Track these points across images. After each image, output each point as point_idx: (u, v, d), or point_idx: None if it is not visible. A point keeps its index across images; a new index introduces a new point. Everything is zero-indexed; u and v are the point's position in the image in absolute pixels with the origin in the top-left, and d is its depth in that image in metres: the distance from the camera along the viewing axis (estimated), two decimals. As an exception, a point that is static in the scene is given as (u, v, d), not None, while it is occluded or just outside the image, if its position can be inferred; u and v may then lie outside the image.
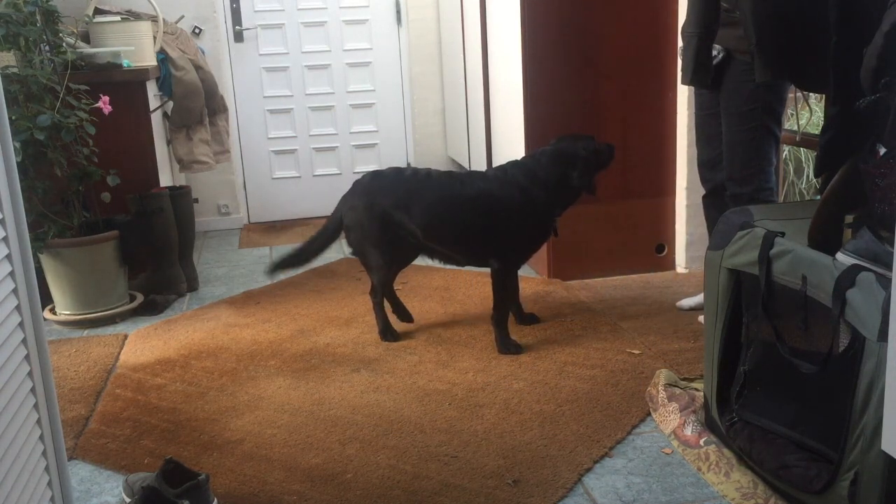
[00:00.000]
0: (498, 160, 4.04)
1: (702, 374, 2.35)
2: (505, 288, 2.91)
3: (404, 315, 3.16)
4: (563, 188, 2.85)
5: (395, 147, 5.30)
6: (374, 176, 2.98)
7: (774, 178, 2.78)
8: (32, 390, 1.55)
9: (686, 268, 3.67)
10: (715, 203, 2.89)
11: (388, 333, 3.03)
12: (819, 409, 1.78)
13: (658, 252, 3.73)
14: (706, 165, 2.92)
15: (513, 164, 2.92)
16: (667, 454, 2.17)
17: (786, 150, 4.06)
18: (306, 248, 3.06)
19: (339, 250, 4.39)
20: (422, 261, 3.12)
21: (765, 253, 1.87)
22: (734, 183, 2.73)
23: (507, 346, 2.85)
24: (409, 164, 5.34)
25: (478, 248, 2.91)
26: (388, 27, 5.15)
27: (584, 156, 2.84)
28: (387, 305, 3.12)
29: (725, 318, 2.07)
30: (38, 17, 3.17)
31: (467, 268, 3.77)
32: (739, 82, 2.64)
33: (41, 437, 1.58)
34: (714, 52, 2.67)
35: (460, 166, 4.99)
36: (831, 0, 2.03)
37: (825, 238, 1.80)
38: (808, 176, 4.16)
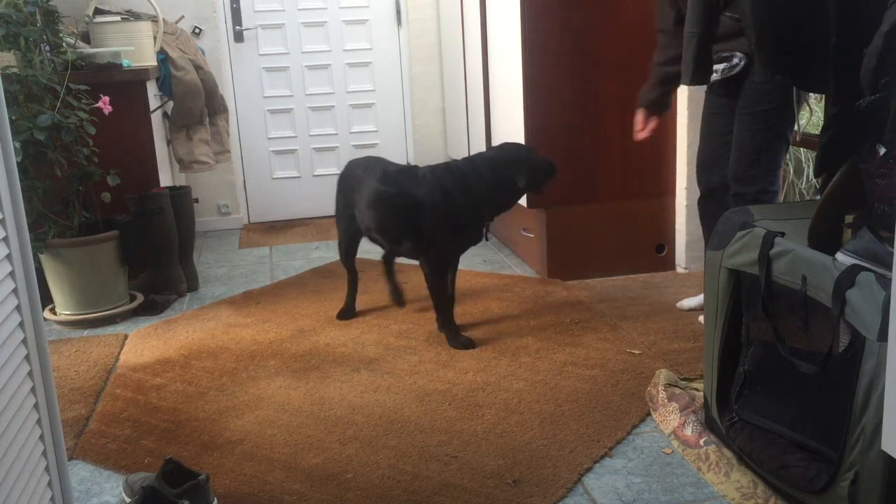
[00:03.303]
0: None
1: (702, 374, 2.35)
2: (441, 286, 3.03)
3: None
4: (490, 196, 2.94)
5: (395, 147, 5.30)
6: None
7: (779, 183, 2.77)
8: (32, 390, 1.55)
9: (686, 268, 3.67)
10: (709, 206, 2.89)
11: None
12: (819, 409, 1.78)
13: (658, 252, 3.73)
14: (703, 166, 2.92)
15: (445, 166, 2.99)
16: (667, 454, 2.17)
17: (786, 150, 4.05)
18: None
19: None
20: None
21: (765, 253, 1.87)
22: (738, 182, 2.72)
23: (457, 341, 2.94)
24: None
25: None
26: (388, 27, 5.15)
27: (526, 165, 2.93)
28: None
29: (725, 318, 2.07)
30: (38, 17, 3.17)
31: (467, 267, 3.78)
32: (759, 83, 2.62)
33: (41, 437, 1.58)
34: (735, 61, 2.65)
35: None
36: (831, 0, 2.03)
37: (825, 238, 1.80)
38: (808, 176, 4.15)
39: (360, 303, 3.43)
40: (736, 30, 2.61)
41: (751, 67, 2.64)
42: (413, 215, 2.89)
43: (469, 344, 2.90)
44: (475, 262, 3.96)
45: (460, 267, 3.72)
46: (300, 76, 5.09)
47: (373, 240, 3.12)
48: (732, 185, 2.74)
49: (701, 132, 2.95)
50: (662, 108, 3.02)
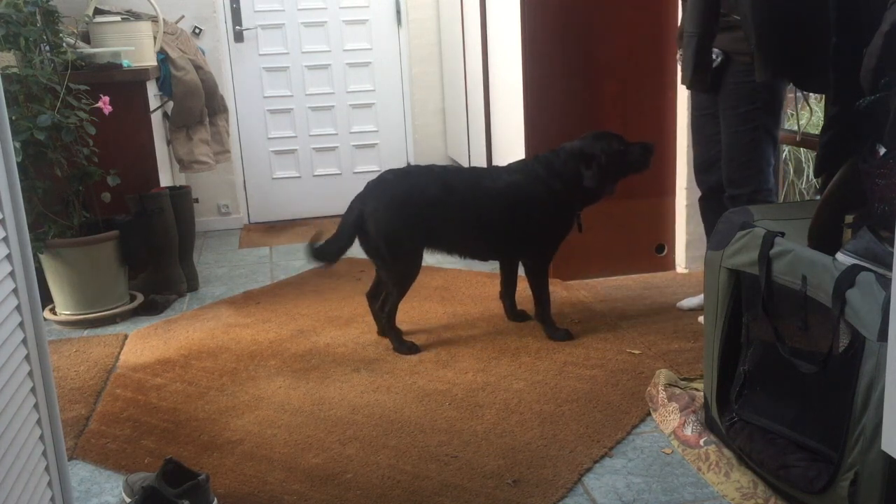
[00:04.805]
0: (498, 160, 4.04)
1: (702, 374, 2.35)
2: (544, 282, 3.00)
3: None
4: (578, 185, 2.88)
5: (395, 147, 5.30)
6: (398, 174, 2.88)
7: (773, 180, 2.77)
8: (32, 390, 1.55)
9: (686, 268, 3.67)
10: (711, 205, 2.89)
11: (411, 347, 2.90)
12: (819, 409, 1.78)
13: (658, 252, 3.73)
14: (701, 168, 2.92)
15: (535, 159, 2.96)
16: (667, 454, 2.17)
17: (786, 150, 4.06)
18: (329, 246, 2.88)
19: (339, 250, 4.39)
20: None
21: (765, 253, 1.87)
22: (732, 184, 2.73)
23: (557, 334, 2.95)
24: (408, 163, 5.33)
25: (511, 243, 2.98)
26: (388, 27, 5.15)
27: (600, 158, 2.84)
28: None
29: (725, 318, 2.07)
30: (38, 17, 3.17)
31: (466, 267, 3.78)
32: (739, 83, 2.65)
33: (41, 437, 1.58)
34: (713, 56, 2.67)
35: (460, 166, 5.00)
36: (831, 0, 2.03)
37: (825, 238, 1.80)
38: (808, 176, 4.16)
39: (359, 303, 3.42)
40: (721, 25, 2.62)
41: (728, 65, 2.66)
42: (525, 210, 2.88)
43: (567, 336, 2.94)
44: (476, 262, 3.95)
45: (460, 267, 3.72)
46: (300, 76, 5.09)
47: (463, 252, 3.01)
48: (727, 187, 2.76)
49: (693, 136, 2.96)
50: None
